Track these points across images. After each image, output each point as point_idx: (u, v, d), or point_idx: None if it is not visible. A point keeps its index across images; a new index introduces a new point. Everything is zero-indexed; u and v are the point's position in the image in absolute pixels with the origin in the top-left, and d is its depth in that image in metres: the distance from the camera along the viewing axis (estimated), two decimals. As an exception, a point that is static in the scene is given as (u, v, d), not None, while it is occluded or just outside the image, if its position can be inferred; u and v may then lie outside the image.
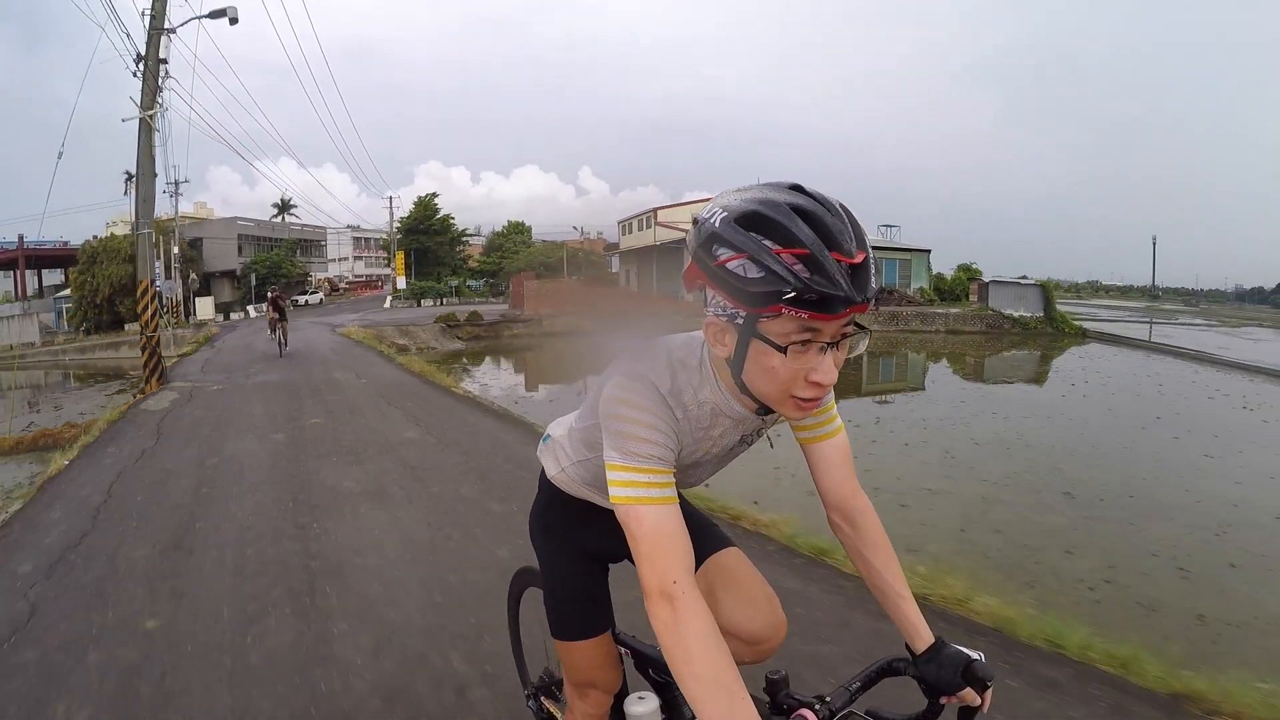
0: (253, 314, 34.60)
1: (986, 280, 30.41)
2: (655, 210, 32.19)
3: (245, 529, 3.77)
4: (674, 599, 0.77)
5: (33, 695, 2.22)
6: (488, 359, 19.75)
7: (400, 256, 40.40)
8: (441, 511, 3.99)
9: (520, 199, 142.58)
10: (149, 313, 9.42)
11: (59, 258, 42.37)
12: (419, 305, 36.02)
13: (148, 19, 10.12)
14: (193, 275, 35.44)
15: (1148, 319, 37.87)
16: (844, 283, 0.72)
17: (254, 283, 37.88)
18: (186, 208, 40.63)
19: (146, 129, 9.52)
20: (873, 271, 0.75)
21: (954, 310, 28.28)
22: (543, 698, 1.65)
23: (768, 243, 0.73)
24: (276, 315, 13.97)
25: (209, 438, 6.22)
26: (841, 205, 0.77)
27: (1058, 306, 29.17)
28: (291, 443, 5.90)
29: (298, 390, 8.99)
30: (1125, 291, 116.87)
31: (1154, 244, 68.48)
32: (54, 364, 25.37)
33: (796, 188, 0.77)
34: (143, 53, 10.04)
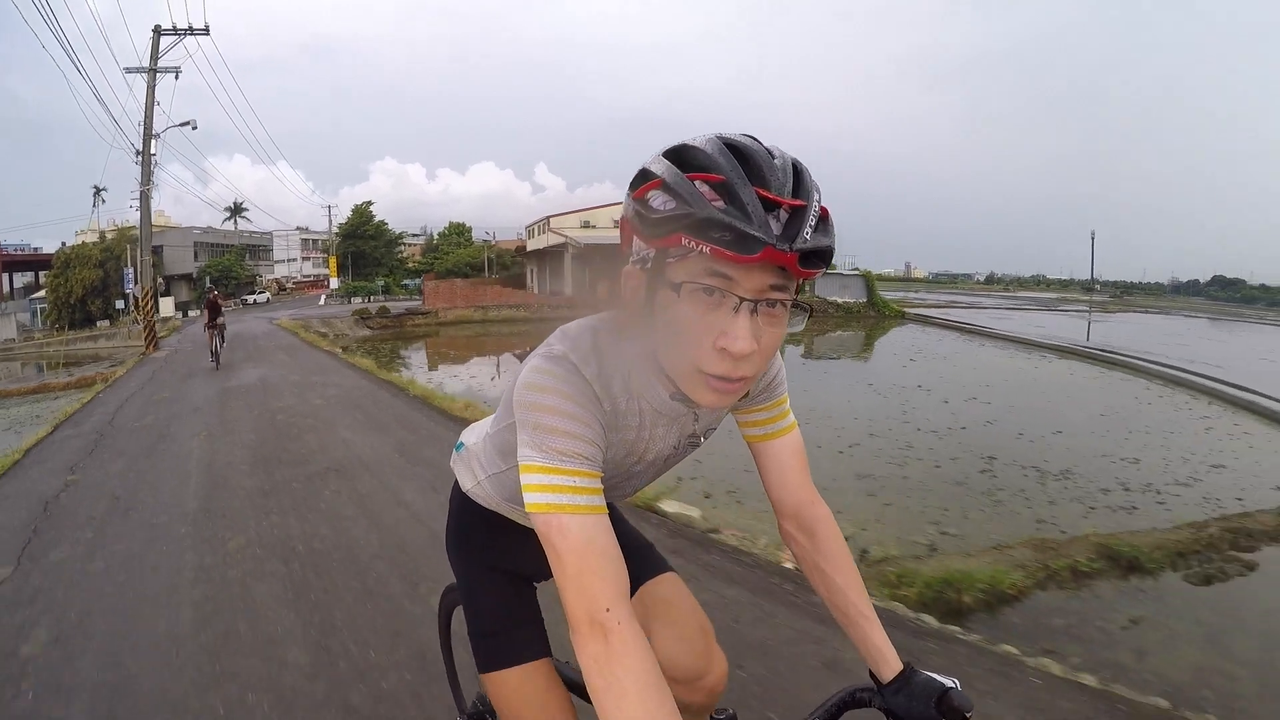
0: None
1: (815, 272, 38.25)
2: (548, 218, 40.15)
3: (207, 376, 11.75)
4: (608, 631, 0.68)
5: (160, 389, 10.31)
6: (372, 341, 27.55)
7: (333, 260, 47.99)
8: (278, 369, 12.00)
9: (476, 195, 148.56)
10: (148, 306, 17.25)
11: (30, 262, 49.40)
12: (349, 302, 43.36)
13: (142, 127, 17.95)
14: (158, 279, 42.66)
15: (1022, 306, 45.88)
16: (763, 220, 0.64)
17: (207, 285, 45.08)
18: (146, 217, 47.67)
19: (146, 198, 17.33)
20: (810, 226, 0.66)
21: (784, 298, 36.14)
22: None
23: (685, 171, 0.68)
24: (211, 319, 12.91)
25: (190, 364, 14.07)
26: (794, 159, 0.70)
27: (880, 293, 37.82)
28: (228, 363, 13.86)
29: (234, 348, 16.87)
30: (1065, 284, 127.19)
31: (1092, 238, 72.10)
32: (40, 354, 32.50)
33: (747, 135, 0.72)
34: (139, 149, 17.85)
